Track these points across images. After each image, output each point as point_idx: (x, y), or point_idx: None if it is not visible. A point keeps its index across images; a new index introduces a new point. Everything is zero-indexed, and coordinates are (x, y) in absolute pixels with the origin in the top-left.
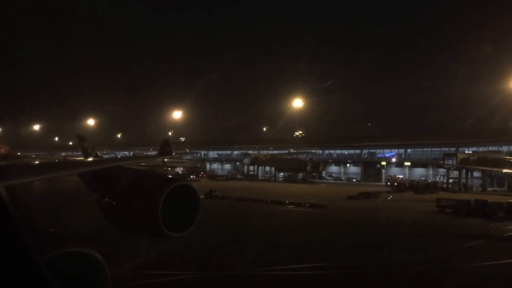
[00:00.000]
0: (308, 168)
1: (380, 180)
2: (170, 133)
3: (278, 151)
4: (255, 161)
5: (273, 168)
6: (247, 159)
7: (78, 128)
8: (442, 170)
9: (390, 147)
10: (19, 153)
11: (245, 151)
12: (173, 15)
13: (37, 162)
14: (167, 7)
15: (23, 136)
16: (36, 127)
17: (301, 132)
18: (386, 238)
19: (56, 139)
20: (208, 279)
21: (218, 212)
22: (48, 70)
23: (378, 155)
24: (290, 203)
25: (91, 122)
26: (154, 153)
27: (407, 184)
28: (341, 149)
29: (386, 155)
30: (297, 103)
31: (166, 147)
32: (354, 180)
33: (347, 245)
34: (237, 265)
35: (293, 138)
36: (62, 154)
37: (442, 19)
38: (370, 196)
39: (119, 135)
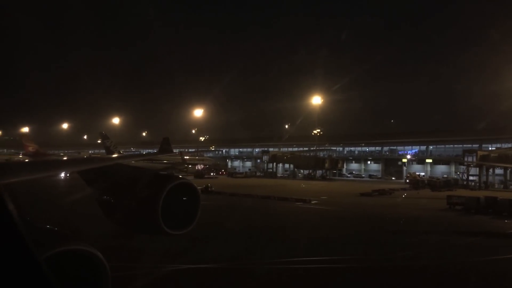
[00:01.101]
0: (326, 165)
1: (401, 178)
2: (193, 131)
3: (300, 149)
4: (273, 158)
5: (292, 166)
6: (266, 157)
7: (105, 126)
8: (463, 167)
9: (412, 143)
10: (47, 152)
11: (266, 149)
12: (193, 12)
13: (37, 159)
14: (189, 3)
15: (53, 134)
16: (65, 125)
17: (319, 130)
18: (372, 233)
19: (85, 137)
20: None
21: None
22: (76, 70)
23: (400, 152)
24: (279, 198)
25: (117, 120)
26: (177, 151)
27: (426, 181)
28: (362, 146)
29: (408, 152)
30: (317, 100)
31: (166, 145)
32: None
33: (315, 239)
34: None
35: (314, 136)
36: (90, 152)
37: (463, 12)
38: (383, 193)
39: (144, 134)
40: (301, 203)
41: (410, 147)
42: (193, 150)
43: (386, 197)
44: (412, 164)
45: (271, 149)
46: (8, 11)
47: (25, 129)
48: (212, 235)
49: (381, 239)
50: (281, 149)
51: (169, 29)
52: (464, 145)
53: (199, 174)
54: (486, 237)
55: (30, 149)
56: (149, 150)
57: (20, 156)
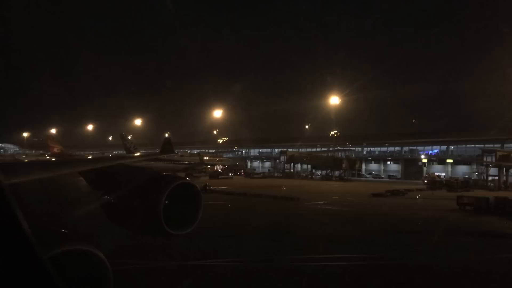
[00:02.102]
0: (343, 165)
1: (421, 178)
2: (215, 132)
3: (319, 149)
4: (291, 159)
5: (310, 166)
6: (283, 157)
7: (130, 127)
8: (482, 168)
9: (432, 143)
10: (72, 152)
11: (285, 149)
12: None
13: (41, 160)
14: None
15: (79, 136)
16: (90, 127)
17: (336, 131)
18: (365, 233)
19: (110, 138)
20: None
21: None
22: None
23: (420, 152)
24: (267, 196)
25: (140, 121)
26: (197, 151)
27: (444, 181)
28: (385, 147)
29: (430, 152)
30: (334, 100)
31: (168, 145)
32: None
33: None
34: None
35: (333, 136)
36: (114, 152)
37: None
38: (396, 194)
39: (166, 134)
40: (291, 201)
41: (430, 147)
42: (213, 151)
43: (399, 197)
44: (432, 164)
45: (291, 150)
46: (43, 15)
47: (53, 131)
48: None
49: (369, 239)
50: (300, 149)
51: (190, 31)
52: (486, 145)
53: (214, 175)
54: (479, 237)
55: (55, 150)
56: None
57: (47, 157)
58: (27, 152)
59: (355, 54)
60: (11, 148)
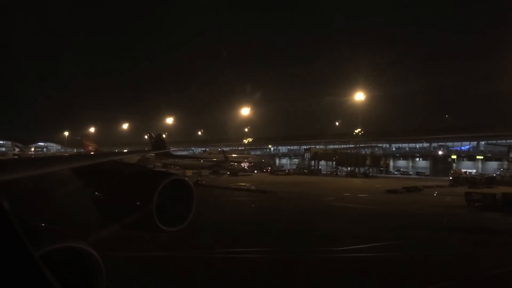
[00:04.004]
0: (367, 162)
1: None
2: (246, 129)
3: (346, 146)
4: (315, 155)
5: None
6: (307, 154)
7: (164, 126)
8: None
9: (461, 139)
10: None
11: (308, 146)
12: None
13: (30, 157)
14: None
15: (115, 134)
16: (125, 125)
17: (360, 130)
18: (352, 227)
19: (146, 137)
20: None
21: None
22: (140, 73)
23: (451, 149)
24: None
25: (172, 120)
26: (227, 149)
27: (468, 178)
28: (409, 143)
29: (461, 148)
30: (360, 96)
31: (160, 141)
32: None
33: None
34: None
35: (360, 132)
36: (146, 149)
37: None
38: (412, 190)
39: (199, 132)
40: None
41: (459, 143)
42: (242, 148)
43: (413, 194)
44: (463, 160)
45: (317, 146)
46: (89, 15)
47: (91, 130)
48: None
49: (348, 232)
50: (328, 146)
51: (221, 28)
52: None
53: (234, 172)
54: (465, 233)
55: (90, 148)
56: (203, 149)
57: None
58: (68, 150)
59: (391, 48)
60: (53, 147)
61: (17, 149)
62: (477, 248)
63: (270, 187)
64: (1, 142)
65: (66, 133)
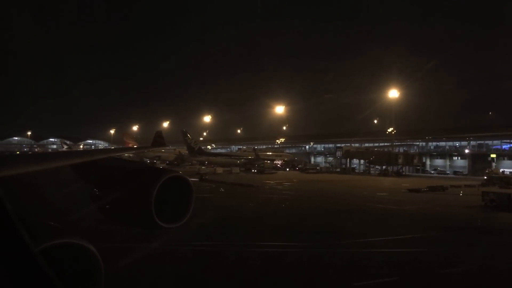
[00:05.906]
0: (399, 161)
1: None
2: (284, 128)
3: (381, 144)
4: (347, 154)
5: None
6: (339, 152)
7: (200, 124)
8: None
9: (501, 137)
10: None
11: (346, 144)
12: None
13: (30, 153)
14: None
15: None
16: (166, 124)
17: (392, 129)
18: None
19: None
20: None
21: None
22: (179, 72)
23: (494, 148)
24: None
25: (210, 118)
26: (263, 147)
27: (503, 178)
28: (446, 141)
29: (503, 147)
30: (393, 93)
31: (159, 138)
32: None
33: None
34: None
35: (394, 130)
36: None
37: None
38: (436, 190)
39: (238, 131)
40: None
41: (499, 141)
42: (277, 146)
43: (436, 193)
44: (504, 159)
45: (354, 145)
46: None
47: (134, 128)
48: None
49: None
50: (363, 144)
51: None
52: None
53: (260, 170)
54: (453, 232)
55: (131, 145)
56: (239, 146)
57: None
58: (113, 147)
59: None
60: (101, 144)
61: (65, 146)
62: (443, 247)
63: (279, 184)
64: (54, 139)
65: (112, 131)
